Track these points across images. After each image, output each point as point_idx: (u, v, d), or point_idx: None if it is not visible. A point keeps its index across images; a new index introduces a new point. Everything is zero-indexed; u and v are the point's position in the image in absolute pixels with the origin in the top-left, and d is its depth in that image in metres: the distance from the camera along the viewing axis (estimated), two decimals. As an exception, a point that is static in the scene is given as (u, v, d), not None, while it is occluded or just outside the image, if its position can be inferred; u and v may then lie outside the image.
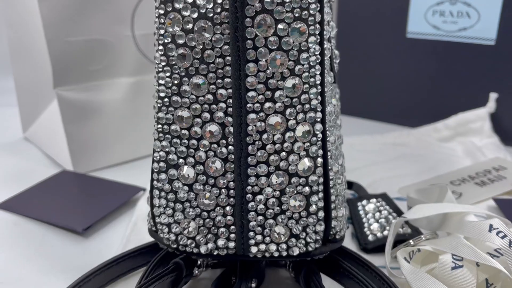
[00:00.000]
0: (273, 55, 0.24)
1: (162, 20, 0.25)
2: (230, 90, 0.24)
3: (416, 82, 0.63)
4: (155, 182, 0.27)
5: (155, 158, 0.27)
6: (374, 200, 0.39)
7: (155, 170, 0.27)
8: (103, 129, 0.52)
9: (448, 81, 0.60)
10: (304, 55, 0.24)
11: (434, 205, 0.32)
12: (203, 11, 0.24)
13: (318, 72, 0.25)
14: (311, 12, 0.24)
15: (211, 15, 0.24)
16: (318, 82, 0.25)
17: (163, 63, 0.25)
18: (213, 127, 0.25)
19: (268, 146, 0.25)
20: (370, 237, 0.35)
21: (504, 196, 0.42)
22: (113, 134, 0.53)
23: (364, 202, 0.39)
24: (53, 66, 0.47)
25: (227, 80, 0.24)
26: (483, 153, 0.51)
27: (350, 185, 0.44)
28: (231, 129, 0.25)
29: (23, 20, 0.51)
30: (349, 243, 0.36)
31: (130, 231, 0.37)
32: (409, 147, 0.56)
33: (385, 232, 0.35)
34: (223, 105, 0.25)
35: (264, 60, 0.24)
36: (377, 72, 0.66)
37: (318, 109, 0.25)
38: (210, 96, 0.24)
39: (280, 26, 0.24)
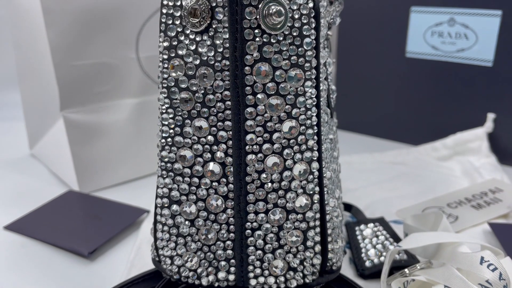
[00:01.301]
0: (271, 100, 0.25)
1: (166, 65, 0.26)
2: (230, 132, 0.25)
3: (415, 100, 0.64)
4: (158, 217, 0.28)
5: (158, 194, 0.28)
6: (371, 225, 0.40)
7: (159, 205, 0.28)
8: (108, 149, 0.53)
9: (446, 100, 0.61)
10: (301, 99, 0.25)
11: (429, 234, 0.33)
12: (204, 58, 0.25)
13: (314, 114, 0.26)
14: (307, 58, 0.25)
15: (212, 62, 0.25)
16: (315, 123, 0.26)
17: (167, 105, 0.26)
18: (214, 167, 0.26)
19: (267, 185, 0.26)
20: (367, 263, 0.36)
21: (499, 220, 0.43)
22: (118, 154, 0.54)
23: (362, 226, 0.40)
24: (60, 90, 0.49)
25: (228, 123, 0.25)
26: (480, 174, 0.52)
27: (349, 207, 0.45)
28: (231, 168, 0.26)
29: (30, 44, 0.52)
30: (346, 268, 0.37)
31: (134, 255, 0.38)
32: (408, 166, 0.57)
33: (382, 258, 0.36)
34: (223, 146, 0.26)
35: (262, 104, 0.25)
36: (377, 89, 0.67)
37: (314, 148, 0.26)
38: (211, 138, 0.26)
39: (277, 73, 0.25)
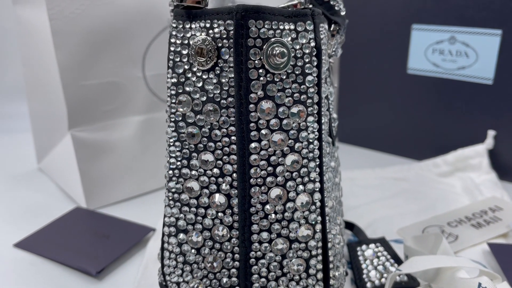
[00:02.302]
0: (274, 135, 0.26)
1: (174, 100, 0.27)
2: (235, 166, 0.26)
3: (416, 116, 0.64)
4: (166, 244, 0.29)
5: (166, 223, 0.29)
6: (373, 245, 0.41)
7: (166, 234, 0.29)
8: (115, 165, 0.54)
9: (447, 116, 0.62)
10: (303, 134, 0.26)
11: (429, 258, 0.34)
12: (211, 95, 0.26)
13: (316, 147, 0.27)
14: (309, 95, 0.26)
15: (218, 99, 0.26)
16: (317, 155, 0.27)
17: (174, 139, 0.27)
18: (220, 198, 0.27)
19: (270, 216, 0.27)
20: (369, 285, 0.37)
21: (499, 240, 0.44)
22: (124, 170, 0.55)
23: (364, 247, 0.41)
24: (69, 110, 0.50)
25: (233, 157, 0.26)
26: (480, 191, 0.53)
27: (351, 226, 0.45)
28: (236, 200, 0.27)
29: (38, 62, 0.54)
30: (348, 289, 0.38)
31: (140, 275, 0.39)
32: (409, 182, 0.58)
33: (383, 280, 0.37)
34: (228, 178, 0.27)
35: (266, 140, 0.26)
36: (379, 104, 0.68)
37: (316, 180, 0.27)
38: (217, 170, 0.27)
39: (280, 109, 0.26)
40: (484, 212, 0.48)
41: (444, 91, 0.61)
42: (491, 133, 0.58)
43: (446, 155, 0.59)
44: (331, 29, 0.31)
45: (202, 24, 0.26)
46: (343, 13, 0.31)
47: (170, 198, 0.28)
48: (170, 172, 0.28)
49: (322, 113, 0.27)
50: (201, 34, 0.26)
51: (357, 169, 0.61)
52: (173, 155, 0.28)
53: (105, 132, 0.53)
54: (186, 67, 0.27)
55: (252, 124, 0.26)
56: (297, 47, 0.26)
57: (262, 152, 0.26)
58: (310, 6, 0.29)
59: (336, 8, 0.31)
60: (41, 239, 0.46)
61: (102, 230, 0.47)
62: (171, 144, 0.28)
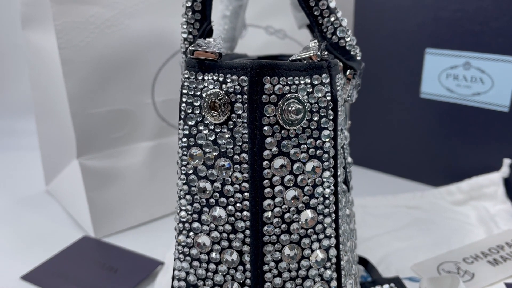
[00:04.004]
0: (289, 192, 0.25)
1: (185, 152, 0.26)
2: (248, 223, 0.26)
3: (429, 141, 0.63)
4: (175, 298, 0.28)
5: (175, 276, 0.28)
6: (387, 286, 0.40)
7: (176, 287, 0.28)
8: (123, 192, 0.54)
9: (461, 142, 0.60)
10: (319, 189, 0.26)
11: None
12: (223, 150, 0.25)
13: (332, 202, 0.26)
14: (325, 149, 0.25)
15: (231, 155, 0.25)
16: (332, 210, 0.26)
17: (185, 192, 0.27)
18: (231, 255, 0.26)
19: (284, 274, 0.26)
20: (382, 330, 0.36)
21: (516, 279, 0.43)
22: (132, 197, 0.55)
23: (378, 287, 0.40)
24: (77, 138, 0.49)
25: (246, 213, 0.26)
26: (496, 223, 0.52)
27: (364, 262, 0.44)
28: (249, 257, 0.26)
29: (47, 89, 0.53)
30: (361, 333, 0.37)
31: (149, 315, 0.39)
32: (422, 211, 0.57)
33: (397, 325, 0.36)
34: (241, 235, 0.26)
35: (280, 197, 0.25)
36: (392, 127, 0.67)
37: (332, 235, 0.27)
38: (229, 227, 0.26)
39: (295, 166, 0.25)
40: (500, 248, 0.47)
41: (458, 117, 0.60)
42: (507, 162, 0.57)
43: (461, 183, 0.58)
44: (347, 73, 0.30)
45: (215, 77, 0.25)
46: (359, 58, 0.30)
47: (180, 251, 0.27)
48: (181, 225, 0.27)
49: (338, 165, 0.27)
50: (214, 87, 0.25)
51: (368, 196, 0.60)
52: (184, 208, 0.27)
53: (113, 159, 0.52)
54: (198, 119, 0.26)
55: (265, 181, 0.25)
56: (313, 101, 0.25)
57: (276, 210, 0.25)
58: (326, 53, 0.28)
59: (352, 53, 0.30)
60: (49, 271, 0.45)
61: (109, 262, 0.46)
62: (182, 197, 0.27)
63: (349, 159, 0.32)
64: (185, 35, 0.30)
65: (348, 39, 0.29)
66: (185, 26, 0.30)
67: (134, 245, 0.50)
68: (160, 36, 0.52)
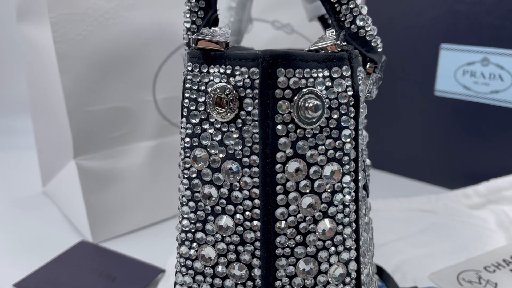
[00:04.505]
0: (304, 199, 0.22)
1: (188, 154, 0.23)
2: (258, 233, 0.23)
3: (444, 141, 0.60)
4: (177, 316, 0.26)
5: (177, 291, 0.25)
6: (404, 297, 0.37)
7: (177, 303, 0.25)
8: (123, 195, 0.51)
9: (478, 143, 0.57)
10: (338, 196, 0.23)
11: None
12: (231, 152, 0.22)
13: (353, 210, 0.23)
14: (345, 151, 0.22)
15: (240, 157, 0.22)
16: (353, 219, 0.23)
17: (188, 198, 0.24)
18: (239, 269, 0.23)
19: (298, 291, 0.23)
20: None
21: (543, 290, 0.40)
22: (133, 199, 0.52)
23: (394, 299, 0.37)
24: (74, 138, 0.46)
25: (256, 222, 0.23)
26: (517, 228, 0.49)
27: (379, 270, 0.42)
28: (259, 271, 0.23)
29: (43, 85, 0.51)
30: None
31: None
32: (438, 215, 0.54)
33: None
34: (250, 247, 0.23)
35: (295, 204, 0.22)
36: (404, 127, 0.64)
37: (352, 247, 0.24)
38: (236, 238, 0.23)
39: (312, 170, 0.22)
40: (524, 255, 0.44)
41: (475, 116, 0.57)
42: (527, 163, 0.54)
43: (478, 185, 0.55)
44: (367, 67, 0.27)
45: (222, 70, 0.22)
46: (380, 50, 0.28)
47: (182, 264, 0.25)
48: (183, 235, 0.24)
49: (359, 168, 0.24)
50: (220, 81, 0.22)
51: (380, 199, 0.57)
52: (186, 216, 0.24)
53: (112, 160, 0.50)
54: (202, 117, 0.23)
55: (279, 187, 0.22)
56: (332, 96, 0.22)
57: (290, 219, 0.22)
58: (344, 44, 0.25)
59: (372, 44, 0.27)
60: (42, 279, 0.42)
61: (108, 269, 0.43)
62: (184, 203, 0.24)
63: (368, 161, 0.29)
64: (188, 25, 0.28)
65: (369, 28, 0.26)
66: (188, 15, 0.27)
67: (134, 250, 0.47)
68: (162, 30, 0.49)
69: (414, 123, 0.62)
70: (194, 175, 0.23)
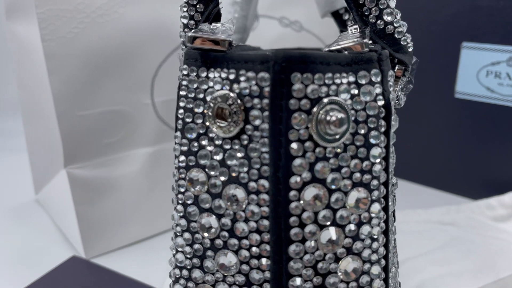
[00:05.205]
0: (324, 233, 0.18)
1: (183, 175, 0.20)
2: (267, 274, 0.19)
3: (465, 147, 0.56)
4: None
5: (171, 336, 0.21)
6: (429, 328, 0.33)
7: None
8: (118, 206, 0.47)
9: (503, 149, 0.53)
10: (365, 228, 0.19)
11: None
12: (235, 174, 0.18)
13: (382, 244, 0.19)
14: (374, 174, 0.18)
15: (246, 181, 0.18)
16: (382, 255, 0.19)
17: (183, 228, 0.20)
18: (245, 314, 0.19)
19: None
20: None
21: None
22: (129, 211, 0.48)
23: (418, 329, 0.33)
24: (64, 145, 0.43)
25: (264, 260, 0.19)
26: (548, 244, 0.45)
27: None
28: (268, 318, 0.19)
29: (33, 87, 0.47)
30: None
31: None
32: (459, 228, 0.50)
33: None
34: (258, 290, 0.19)
35: (313, 240, 0.18)
36: (422, 131, 0.59)
37: (381, 287, 0.20)
38: (241, 278, 0.19)
39: (334, 197, 0.18)
40: (559, 276, 0.40)
41: (500, 120, 0.53)
42: (558, 172, 0.49)
43: (503, 196, 0.51)
44: (395, 69, 0.23)
45: (223, 75, 0.18)
46: (410, 50, 0.23)
47: (177, 306, 0.21)
48: (177, 271, 0.20)
49: (390, 193, 0.20)
50: (222, 88, 0.18)
51: (396, 209, 0.53)
52: (181, 249, 0.20)
53: (106, 168, 0.46)
54: (200, 131, 0.19)
55: (293, 219, 0.18)
56: (359, 107, 0.18)
57: (307, 257, 0.18)
58: (370, 42, 0.21)
59: (402, 42, 0.23)
60: (29, 301, 0.39)
61: (100, 290, 0.40)
62: (178, 234, 0.20)
63: (394, 179, 0.25)
64: (185, 21, 0.24)
65: (398, 24, 0.22)
66: (185, 9, 0.23)
67: (130, 267, 0.43)
68: (160, 27, 0.45)
69: (433, 126, 0.58)
70: (190, 201, 0.19)
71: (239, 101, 0.18)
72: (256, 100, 0.17)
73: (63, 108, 0.42)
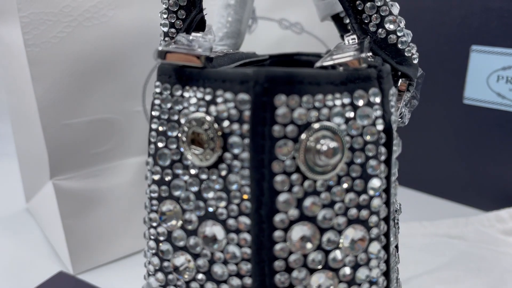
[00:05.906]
0: (314, 278, 0.16)
1: (155, 208, 0.17)
2: (250, 323, 0.16)
3: (474, 155, 0.54)
4: None
5: None
6: None
7: None
8: (108, 219, 0.45)
9: (514, 159, 0.51)
10: (363, 272, 0.16)
11: None
12: (211, 209, 0.16)
13: (383, 287, 0.17)
14: (373, 209, 0.16)
15: (224, 218, 0.16)
16: (381, 300, 0.17)
17: (155, 267, 0.17)
18: None
19: None
20: None
21: None
22: (120, 223, 0.46)
23: None
24: (50, 155, 0.41)
25: (246, 308, 0.16)
26: None
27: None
28: None
29: (18, 93, 0.45)
30: None
31: None
32: (468, 242, 0.47)
33: None
34: None
35: (302, 286, 0.16)
36: (428, 138, 0.57)
37: (379, 337, 0.17)
38: (220, 326, 0.17)
39: (326, 237, 0.16)
40: None
41: (511, 128, 0.50)
42: None
43: (514, 208, 0.48)
44: (398, 83, 0.21)
45: (199, 94, 0.16)
46: (415, 62, 0.21)
47: None
48: (150, 315, 0.18)
49: (391, 229, 0.17)
50: (197, 110, 0.16)
51: (400, 222, 0.50)
52: (154, 290, 0.18)
53: (95, 179, 0.44)
54: (174, 157, 0.17)
55: (278, 263, 0.15)
56: (355, 133, 0.15)
57: (295, 306, 0.16)
58: (369, 55, 0.19)
59: (406, 54, 0.20)
60: (10, 322, 0.37)
61: (85, 310, 0.37)
62: (151, 273, 0.18)
63: (397, 204, 0.23)
64: (165, 29, 0.21)
65: (401, 33, 0.20)
66: (165, 16, 0.21)
67: (119, 283, 0.41)
68: (151, 32, 0.43)
69: (440, 134, 0.56)
70: (162, 238, 0.17)
71: (216, 125, 0.15)
72: (235, 125, 0.15)
73: (48, 116, 0.40)
